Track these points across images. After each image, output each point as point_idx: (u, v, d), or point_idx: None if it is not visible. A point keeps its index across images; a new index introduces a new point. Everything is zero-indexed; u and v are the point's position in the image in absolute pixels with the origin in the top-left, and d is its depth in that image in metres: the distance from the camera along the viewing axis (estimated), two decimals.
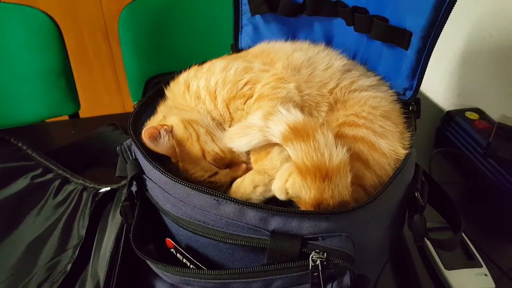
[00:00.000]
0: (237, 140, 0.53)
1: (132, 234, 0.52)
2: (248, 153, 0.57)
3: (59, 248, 0.67)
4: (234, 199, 0.45)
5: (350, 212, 0.46)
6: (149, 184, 0.53)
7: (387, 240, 0.60)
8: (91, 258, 0.62)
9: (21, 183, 0.77)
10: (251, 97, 0.58)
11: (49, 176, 0.81)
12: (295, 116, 0.50)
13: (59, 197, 0.77)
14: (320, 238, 0.45)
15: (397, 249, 0.68)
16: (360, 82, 0.66)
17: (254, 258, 0.47)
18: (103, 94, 2.21)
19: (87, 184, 0.81)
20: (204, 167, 0.55)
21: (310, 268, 0.43)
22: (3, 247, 0.66)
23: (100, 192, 0.77)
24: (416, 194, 0.56)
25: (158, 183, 0.52)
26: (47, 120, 1.29)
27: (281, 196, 0.50)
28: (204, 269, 0.49)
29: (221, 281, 0.46)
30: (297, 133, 0.49)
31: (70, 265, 0.63)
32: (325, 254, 0.43)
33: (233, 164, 0.57)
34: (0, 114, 1.24)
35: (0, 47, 1.17)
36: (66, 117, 1.32)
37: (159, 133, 0.54)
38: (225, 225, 0.46)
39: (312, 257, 0.43)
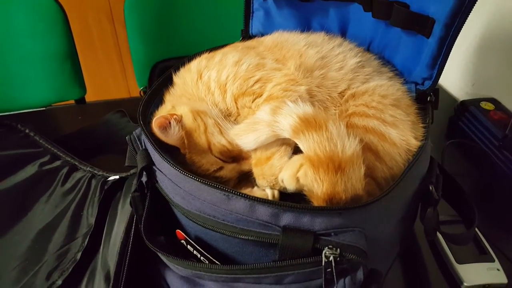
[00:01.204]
0: (244, 136, 0.52)
1: (142, 226, 0.52)
2: None
3: (69, 236, 0.67)
4: (244, 194, 0.44)
5: (363, 207, 0.45)
6: (159, 175, 0.53)
7: (398, 233, 0.59)
8: (101, 247, 0.62)
9: (29, 170, 0.77)
10: (261, 96, 0.57)
11: (57, 163, 0.81)
12: (305, 108, 0.49)
13: (68, 185, 0.77)
14: (332, 233, 0.44)
15: (408, 242, 0.67)
16: (373, 83, 0.64)
17: (265, 252, 0.47)
18: (108, 78, 2.20)
19: (95, 171, 0.80)
20: (209, 160, 0.55)
21: (323, 264, 0.43)
22: (12, 235, 0.66)
23: (109, 181, 0.76)
24: (431, 188, 0.55)
25: (168, 175, 0.51)
26: (54, 105, 1.28)
27: (291, 184, 0.49)
28: (216, 263, 0.48)
29: (232, 275, 0.45)
30: (309, 124, 0.47)
31: (80, 254, 0.63)
32: (338, 250, 0.43)
33: (240, 158, 0.56)
34: (5, 98, 1.23)
35: (5, 31, 1.16)
36: (72, 102, 1.31)
37: (169, 123, 0.53)
38: (235, 220, 0.45)
39: (325, 253, 0.42)
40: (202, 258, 0.51)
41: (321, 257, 0.42)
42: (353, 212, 0.44)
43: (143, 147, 0.57)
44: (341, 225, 0.44)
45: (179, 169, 0.48)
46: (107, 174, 0.79)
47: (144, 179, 0.55)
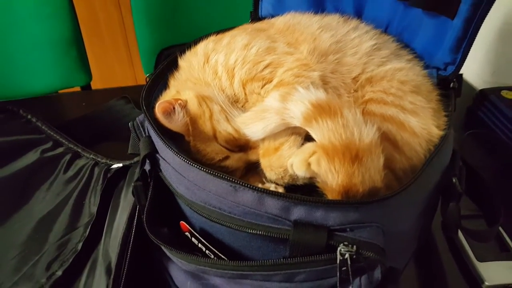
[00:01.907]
0: (252, 125, 0.48)
1: (145, 217, 0.49)
2: None
3: (70, 225, 0.64)
4: (252, 186, 0.41)
5: (382, 201, 0.42)
6: (162, 164, 0.50)
7: (417, 229, 0.56)
8: (103, 238, 0.60)
9: (31, 157, 0.75)
10: (271, 81, 0.54)
11: (60, 150, 0.79)
12: (317, 93, 0.45)
13: (70, 172, 0.74)
14: (348, 229, 0.41)
15: (427, 238, 0.63)
16: (389, 65, 0.59)
17: (274, 247, 0.44)
18: (114, 65, 2.17)
19: (98, 159, 0.78)
20: (214, 149, 0.51)
21: (338, 262, 0.39)
22: (12, 224, 0.64)
23: (112, 168, 0.74)
24: (454, 180, 0.51)
25: (171, 164, 0.48)
26: (59, 92, 1.26)
27: (301, 169, 0.45)
28: (222, 258, 0.45)
29: (239, 272, 0.42)
30: (322, 110, 0.44)
31: (81, 244, 0.60)
32: (354, 247, 0.40)
33: (248, 147, 0.53)
34: (10, 85, 1.21)
35: (9, 16, 1.13)
36: (78, 89, 1.29)
37: (174, 108, 0.50)
38: (242, 213, 0.42)
39: (340, 250, 0.39)
40: (207, 252, 0.48)
41: (336, 255, 0.39)
42: (371, 206, 0.41)
43: (147, 134, 0.54)
44: (358, 220, 0.41)
45: (183, 158, 0.45)
46: (111, 162, 0.77)
47: (147, 167, 0.52)
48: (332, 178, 0.43)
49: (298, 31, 0.61)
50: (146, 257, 0.56)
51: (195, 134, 0.51)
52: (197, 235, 0.48)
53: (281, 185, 0.49)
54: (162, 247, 0.46)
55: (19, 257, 0.60)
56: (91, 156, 0.79)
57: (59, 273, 0.57)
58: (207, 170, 0.43)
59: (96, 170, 0.75)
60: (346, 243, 0.40)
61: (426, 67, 0.62)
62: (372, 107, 0.53)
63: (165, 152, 0.48)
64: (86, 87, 1.29)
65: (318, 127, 0.43)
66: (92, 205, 0.67)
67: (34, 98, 1.03)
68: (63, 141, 0.80)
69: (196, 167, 0.44)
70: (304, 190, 0.49)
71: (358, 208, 0.41)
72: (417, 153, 0.52)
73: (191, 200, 0.46)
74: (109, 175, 0.71)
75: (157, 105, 0.49)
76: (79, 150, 0.79)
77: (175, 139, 0.52)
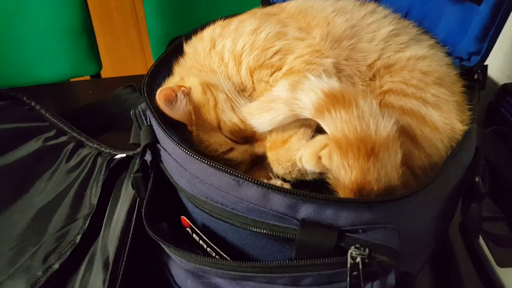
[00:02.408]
0: (258, 116, 0.45)
1: (144, 210, 0.47)
2: None
3: (70, 217, 0.62)
4: (257, 180, 0.38)
5: (398, 201, 0.38)
6: (163, 155, 0.47)
7: (434, 230, 0.52)
8: (102, 231, 0.57)
9: (33, 145, 0.73)
10: (280, 69, 0.51)
11: (63, 138, 0.76)
12: (330, 82, 0.42)
13: (72, 162, 0.72)
14: (360, 230, 0.38)
15: (444, 240, 0.59)
16: (409, 52, 0.55)
17: (279, 247, 0.41)
18: (126, 55, 2.16)
19: (102, 149, 0.75)
20: (218, 140, 0.48)
21: (348, 266, 0.36)
22: (11, 213, 0.62)
23: (115, 159, 0.71)
24: (477, 179, 0.47)
25: (172, 155, 0.45)
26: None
27: (310, 163, 0.42)
28: (224, 256, 0.43)
29: (241, 273, 0.39)
30: (336, 100, 0.40)
31: (79, 237, 0.58)
32: (366, 250, 0.36)
33: (254, 139, 0.50)
34: (20, 73, 1.20)
35: (21, 3, 1.12)
36: (87, 78, 1.27)
37: (176, 95, 0.47)
38: (246, 210, 0.39)
39: (351, 253, 0.36)
40: (208, 249, 0.45)
41: (346, 258, 0.36)
42: (386, 206, 0.38)
43: (148, 123, 0.51)
44: (371, 221, 0.38)
45: (184, 148, 0.42)
46: (114, 152, 0.74)
47: (148, 158, 0.50)
48: (345, 174, 0.40)
49: (310, 15, 0.57)
50: (146, 252, 0.53)
51: (198, 124, 0.48)
52: (198, 231, 0.45)
53: (289, 181, 0.46)
54: (160, 244, 0.43)
55: (17, 249, 0.58)
56: (95, 145, 0.76)
57: (56, 266, 0.55)
58: (209, 163, 0.40)
59: (99, 160, 0.73)
60: (357, 245, 0.36)
61: (448, 55, 0.57)
62: (391, 99, 0.49)
63: (166, 142, 0.45)
64: (96, 77, 1.27)
65: (331, 118, 0.39)
66: (93, 196, 0.65)
67: (39, 86, 1.01)
68: (67, 129, 0.78)
69: (198, 158, 0.41)
70: (313, 187, 0.46)
71: (372, 208, 0.37)
72: (438, 150, 0.48)
73: (192, 194, 0.43)
74: (111, 165, 0.68)
75: (158, 91, 0.46)
76: (83, 139, 0.77)
77: (177, 129, 0.49)
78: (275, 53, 0.52)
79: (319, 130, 0.45)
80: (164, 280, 0.54)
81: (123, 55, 2.14)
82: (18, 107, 0.77)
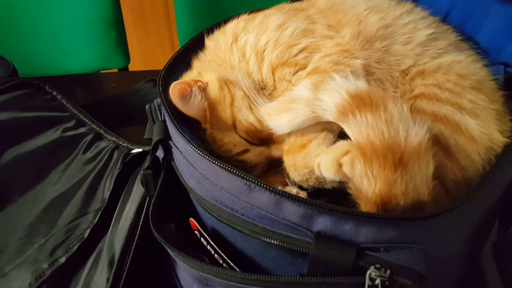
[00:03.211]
0: (277, 117, 0.42)
1: (151, 209, 0.44)
2: None
3: (81, 210, 0.61)
4: (269, 186, 0.34)
5: (428, 219, 0.34)
6: (175, 152, 0.45)
7: (465, 253, 0.47)
8: (111, 227, 0.56)
9: (51, 134, 0.72)
10: (304, 68, 0.48)
11: (82, 130, 0.76)
12: (357, 83, 0.38)
13: (89, 154, 0.71)
14: (382, 249, 0.34)
15: (473, 265, 0.54)
16: (447, 57, 0.51)
17: (291, 260, 0.38)
18: (156, 50, 2.18)
19: (120, 142, 0.74)
20: (232, 140, 0.45)
21: (366, 287, 0.32)
22: (23, 203, 0.62)
23: (131, 153, 0.70)
24: None
25: (183, 153, 0.42)
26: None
27: (329, 170, 0.38)
28: (231, 265, 0.40)
29: (248, 286, 0.36)
30: (362, 102, 0.37)
31: (88, 231, 0.57)
32: (388, 271, 0.33)
33: (271, 141, 0.46)
34: (49, 63, 1.22)
35: None
36: (115, 71, 1.28)
37: (191, 90, 0.45)
38: (257, 217, 0.36)
39: (370, 274, 0.32)
40: (216, 255, 0.42)
41: (364, 279, 0.33)
42: (413, 224, 0.34)
43: (162, 118, 0.49)
44: (395, 239, 0.34)
45: (194, 147, 0.39)
46: (132, 146, 0.73)
47: (161, 155, 0.47)
48: (368, 185, 0.36)
49: (341, 11, 0.54)
50: (153, 252, 0.51)
51: (212, 122, 0.45)
52: (206, 236, 0.43)
53: (306, 189, 0.42)
54: (164, 246, 0.41)
55: (26, 239, 0.57)
56: (113, 138, 0.75)
57: (63, 260, 0.53)
58: (219, 164, 0.37)
59: (116, 153, 0.71)
60: (378, 265, 0.33)
61: (490, 64, 0.52)
62: (423, 104, 0.45)
63: (177, 139, 0.43)
64: (124, 70, 1.28)
65: (355, 122, 0.36)
66: (106, 190, 0.64)
67: (64, 76, 1.02)
68: (87, 121, 0.77)
69: (208, 158, 0.38)
70: (332, 197, 0.42)
71: (398, 225, 0.33)
72: (474, 162, 0.43)
73: (202, 196, 0.41)
74: (127, 159, 0.66)
75: (172, 85, 0.43)
76: (102, 132, 0.76)
77: (191, 126, 0.46)
78: (301, 50, 0.49)
79: (342, 137, 0.41)
80: (171, 283, 0.51)
81: (153, 51, 2.16)
82: (40, 96, 0.77)
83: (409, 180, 0.35)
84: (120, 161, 0.69)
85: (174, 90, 0.43)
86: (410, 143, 0.34)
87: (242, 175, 0.36)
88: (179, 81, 0.45)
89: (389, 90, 0.50)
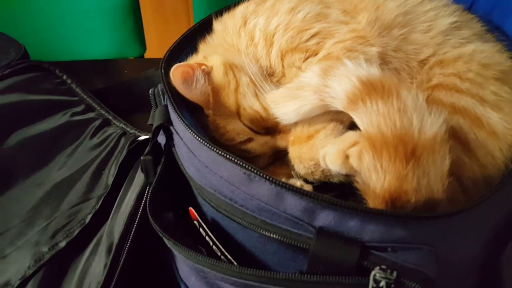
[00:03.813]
0: (283, 105, 0.39)
1: (149, 197, 0.43)
2: None
3: (84, 195, 0.60)
4: (269, 177, 0.32)
5: (441, 219, 0.32)
6: (175, 138, 0.43)
7: (481, 258, 0.44)
8: (112, 213, 0.54)
9: (60, 118, 0.71)
10: (316, 54, 0.45)
11: (90, 115, 0.75)
12: (370, 69, 0.35)
13: (96, 140, 0.70)
14: (389, 249, 0.31)
15: (490, 272, 0.50)
16: (469, 46, 0.47)
17: (291, 256, 0.35)
18: (174, 39, 2.17)
19: (128, 129, 0.73)
20: (236, 128, 0.43)
21: None
22: (28, 186, 0.61)
23: (138, 140, 0.68)
24: None
25: (183, 139, 0.41)
26: None
27: (335, 162, 0.36)
28: (229, 260, 0.38)
29: (243, 280, 0.34)
30: (373, 89, 0.34)
31: (90, 216, 0.56)
32: (394, 273, 0.30)
33: (276, 130, 0.44)
34: (65, 49, 1.22)
35: None
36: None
37: (194, 74, 0.42)
38: (257, 209, 0.34)
39: (374, 275, 0.30)
40: (214, 247, 0.40)
41: (368, 280, 0.30)
42: (425, 223, 0.31)
43: (164, 102, 0.47)
44: (404, 239, 0.31)
45: (194, 133, 0.37)
46: (139, 133, 0.71)
47: (162, 141, 0.46)
48: (377, 179, 0.33)
49: None
50: (152, 241, 0.49)
51: (215, 108, 0.43)
52: (205, 226, 0.41)
53: (311, 183, 0.40)
54: (160, 235, 0.39)
55: (28, 221, 0.56)
56: (121, 125, 0.74)
57: (63, 244, 0.53)
58: (218, 151, 0.35)
59: (123, 140, 0.70)
60: (384, 266, 0.30)
61: None
62: (441, 95, 0.41)
63: (178, 125, 0.41)
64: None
65: (365, 110, 0.33)
66: (110, 176, 0.62)
67: (76, 61, 1.02)
68: (96, 106, 0.77)
69: (207, 145, 0.36)
70: (339, 192, 0.40)
71: (408, 224, 0.31)
72: (495, 159, 0.41)
73: (200, 184, 0.39)
74: (132, 146, 0.65)
75: (173, 67, 0.42)
76: (110, 118, 0.75)
77: (194, 112, 0.44)
78: (313, 36, 0.46)
79: (353, 129, 0.38)
80: (170, 273, 0.50)
81: (171, 41, 2.15)
82: (50, 80, 0.77)
83: (421, 175, 0.32)
84: (126, 147, 0.68)
85: (176, 72, 0.42)
86: (424, 134, 0.32)
87: (242, 163, 0.34)
88: (181, 63, 0.43)
89: (406, 81, 0.47)
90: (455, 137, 0.40)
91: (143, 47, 1.27)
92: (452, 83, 0.42)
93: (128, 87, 0.85)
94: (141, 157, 0.45)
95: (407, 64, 0.48)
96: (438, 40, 0.48)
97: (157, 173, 0.44)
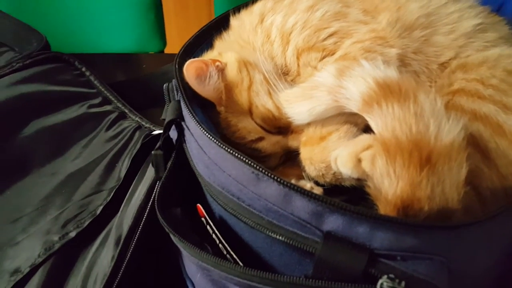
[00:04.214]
0: (296, 105, 0.39)
1: (158, 191, 0.43)
2: None
3: (96, 186, 0.61)
4: (278, 178, 0.32)
5: (456, 229, 0.30)
6: (187, 134, 0.43)
7: (496, 269, 0.42)
8: (122, 206, 0.55)
9: (76, 110, 0.72)
10: (333, 54, 0.44)
11: (107, 107, 0.76)
12: (387, 71, 0.34)
13: (111, 132, 0.71)
14: (399, 258, 0.30)
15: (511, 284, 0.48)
16: (494, 50, 0.45)
17: (298, 259, 0.35)
18: None
19: (143, 123, 0.73)
20: (247, 126, 0.43)
21: None
22: (42, 175, 0.62)
23: (152, 134, 0.69)
24: None
25: (194, 135, 0.40)
26: None
27: (347, 165, 0.35)
28: (234, 259, 0.38)
29: (247, 281, 0.34)
30: (390, 91, 0.33)
31: (101, 208, 0.56)
32: (402, 283, 0.29)
33: (289, 130, 0.43)
34: (86, 42, 1.24)
35: None
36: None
37: (208, 70, 0.42)
38: (264, 209, 0.33)
39: (381, 284, 0.29)
40: (220, 245, 0.40)
41: None
42: (438, 233, 0.30)
43: (177, 98, 0.47)
44: (415, 249, 0.30)
45: (203, 129, 0.37)
46: (154, 128, 0.72)
47: (174, 136, 0.46)
48: (389, 184, 0.32)
49: None
50: (160, 236, 0.49)
51: (228, 105, 0.43)
52: (212, 224, 0.41)
53: (322, 185, 0.39)
54: (166, 230, 0.39)
55: (41, 210, 0.57)
56: (137, 119, 0.74)
57: (73, 234, 0.53)
58: (227, 149, 0.35)
59: (137, 133, 0.71)
60: (392, 275, 0.29)
61: None
62: (461, 101, 0.40)
63: (189, 121, 0.41)
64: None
65: (380, 113, 0.32)
66: (123, 169, 0.63)
67: (96, 54, 1.03)
68: (113, 99, 0.77)
69: (216, 143, 0.36)
70: (350, 196, 0.39)
71: (419, 233, 0.30)
72: None
73: (208, 181, 0.39)
74: (146, 140, 0.66)
75: (187, 63, 0.41)
76: (126, 111, 0.76)
77: (206, 108, 0.44)
78: (330, 35, 0.45)
79: (367, 131, 0.37)
80: (177, 269, 0.50)
81: None
82: (69, 71, 0.78)
83: (436, 183, 0.31)
84: (140, 141, 0.68)
85: (190, 68, 0.41)
86: (440, 141, 0.30)
87: (250, 162, 0.33)
88: (195, 59, 0.43)
89: (425, 84, 0.45)
90: (474, 145, 0.38)
91: (163, 42, 1.27)
92: (475, 89, 0.40)
93: (145, 82, 0.86)
94: (152, 152, 0.45)
95: (427, 67, 0.46)
96: (461, 42, 0.46)
97: (167, 168, 0.44)
